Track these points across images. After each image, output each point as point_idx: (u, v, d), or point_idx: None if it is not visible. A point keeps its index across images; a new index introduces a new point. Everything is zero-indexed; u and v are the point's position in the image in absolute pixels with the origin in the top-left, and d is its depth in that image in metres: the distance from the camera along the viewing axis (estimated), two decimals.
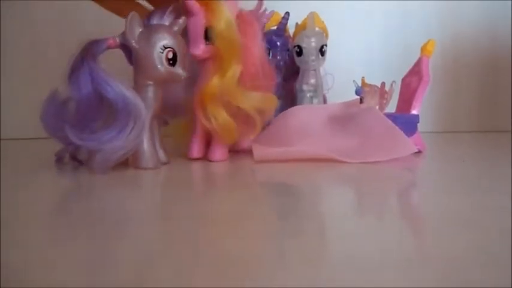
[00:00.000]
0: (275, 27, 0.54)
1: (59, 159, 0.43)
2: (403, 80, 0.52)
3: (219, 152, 0.44)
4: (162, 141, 0.42)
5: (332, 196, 0.33)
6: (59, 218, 0.26)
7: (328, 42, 0.53)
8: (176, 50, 0.39)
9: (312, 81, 0.53)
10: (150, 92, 0.39)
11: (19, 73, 0.69)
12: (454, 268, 0.17)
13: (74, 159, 0.41)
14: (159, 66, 0.38)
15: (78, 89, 0.36)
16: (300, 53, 0.52)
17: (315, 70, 0.53)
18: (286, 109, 0.49)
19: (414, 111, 0.49)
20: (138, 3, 0.45)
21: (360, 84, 0.47)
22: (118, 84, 0.36)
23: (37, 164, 0.44)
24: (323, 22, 0.54)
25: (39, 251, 0.20)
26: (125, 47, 0.39)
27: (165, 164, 0.42)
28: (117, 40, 0.38)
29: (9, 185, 0.35)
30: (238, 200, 0.30)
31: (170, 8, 0.40)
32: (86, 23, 0.65)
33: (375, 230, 0.23)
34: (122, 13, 0.42)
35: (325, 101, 0.56)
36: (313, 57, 0.52)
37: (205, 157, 0.45)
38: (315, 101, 0.53)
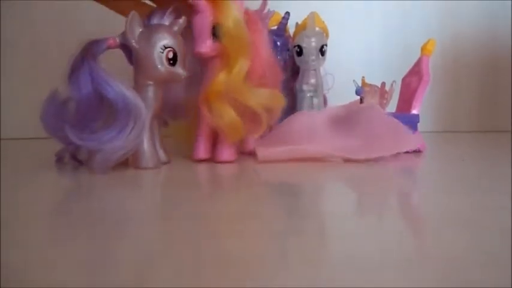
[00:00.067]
0: (275, 27, 0.54)
1: (59, 159, 0.43)
2: (403, 79, 0.53)
3: (226, 152, 0.43)
4: (162, 141, 0.42)
5: (332, 196, 0.33)
6: (59, 218, 0.26)
7: (328, 42, 0.53)
8: (176, 49, 0.39)
9: (312, 81, 0.53)
10: (150, 92, 0.39)
11: (19, 73, 0.69)
12: (454, 268, 0.17)
13: (74, 159, 0.41)
14: (159, 66, 0.38)
15: (78, 89, 0.36)
16: (300, 52, 0.52)
17: (315, 70, 0.53)
18: (287, 109, 0.49)
19: (414, 111, 0.49)
20: (141, 2, 0.45)
21: (360, 84, 0.47)
22: (118, 84, 0.36)
23: (37, 163, 0.44)
24: (323, 22, 0.54)
25: (39, 251, 0.20)
26: (125, 47, 0.39)
27: (165, 163, 0.42)
28: (117, 40, 0.38)
29: (9, 185, 0.35)
30: (238, 200, 0.30)
31: (170, 8, 0.40)
32: (86, 23, 0.65)
33: (375, 230, 0.23)
34: (124, 12, 0.42)
35: (325, 101, 0.56)
36: (313, 57, 0.52)
37: (211, 158, 0.43)
38: (315, 100, 0.53)
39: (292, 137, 0.44)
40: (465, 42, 0.75)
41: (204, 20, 0.40)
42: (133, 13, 0.38)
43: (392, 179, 0.38)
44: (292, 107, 0.52)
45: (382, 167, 0.40)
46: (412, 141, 0.43)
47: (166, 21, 0.40)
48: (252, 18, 0.43)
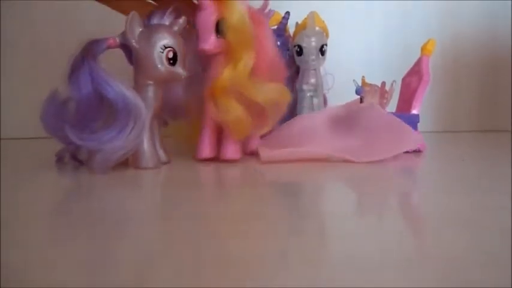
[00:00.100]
0: (275, 27, 0.54)
1: (60, 159, 0.43)
2: (403, 79, 0.52)
3: (231, 150, 0.42)
4: (162, 141, 0.42)
5: (332, 196, 0.33)
6: (59, 218, 0.26)
7: (329, 42, 0.53)
8: (176, 49, 0.39)
9: (312, 80, 0.53)
10: (150, 92, 0.39)
11: (19, 73, 0.69)
12: (454, 268, 0.17)
13: (74, 159, 0.41)
14: (159, 66, 0.38)
15: (78, 89, 0.36)
16: (300, 52, 0.52)
17: (315, 70, 0.53)
18: (287, 108, 0.48)
19: (414, 111, 0.49)
20: (143, 1, 0.45)
21: (360, 84, 0.47)
22: (118, 84, 0.36)
23: (37, 163, 0.44)
24: (323, 22, 0.54)
25: (39, 251, 0.20)
26: (125, 47, 0.39)
27: (165, 163, 0.42)
28: (117, 40, 0.38)
29: (9, 185, 0.35)
30: (238, 200, 0.30)
31: (170, 8, 0.40)
32: (86, 23, 0.65)
33: (375, 230, 0.23)
34: (126, 12, 0.42)
35: (325, 101, 0.56)
36: (313, 57, 0.52)
37: (215, 157, 0.43)
38: (315, 100, 0.53)
39: (292, 140, 0.44)
40: (465, 42, 0.75)
41: (207, 17, 0.40)
42: (133, 13, 0.38)
43: (392, 179, 0.38)
44: (293, 106, 0.52)
45: (382, 167, 0.40)
46: (413, 139, 0.43)
47: (167, 21, 0.40)
48: (256, 14, 0.42)
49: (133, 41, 0.38)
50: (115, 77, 0.36)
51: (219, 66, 0.41)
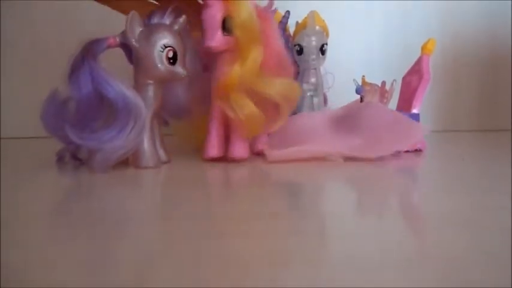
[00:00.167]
0: None
1: (60, 159, 0.43)
2: (404, 78, 0.52)
3: (240, 149, 0.41)
4: (163, 140, 0.42)
5: (332, 196, 0.33)
6: (59, 218, 0.26)
7: (329, 42, 0.53)
8: (176, 49, 0.39)
9: (313, 80, 0.53)
10: (151, 91, 0.39)
11: (19, 73, 0.69)
12: (454, 268, 0.17)
13: (74, 158, 0.41)
14: (159, 65, 0.38)
15: (78, 89, 0.36)
16: (300, 51, 0.52)
17: (315, 69, 0.53)
18: None
19: (414, 110, 0.49)
20: (143, 1, 0.45)
21: (360, 83, 0.47)
22: (118, 84, 0.36)
23: (37, 163, 0.44)
24: (323, 21, 0.54)
25: (39, 251, 0.20)
26: (125, 46, 0.39)
27: (165, 163, 0.42)
28: (118, 39, 0.38)
29: (9, 184, 0.35)
30: (238, 200, 0.30)
31: (170, 8, 0.40)
32: (86, 23, 0.65)
33: (375, 230, 0.23)
34: (126, 11, 0.42)
35: (325, 100, 0.56)
36: (314, 56, 0.52)
37: (222, 157, 0.42)
38: (315, 100, 0.53)
39: (294, 139, 0.44)
40: (465, 42, 0.75)
41: (213, 15, 0.39)
42: (133, 12, 0.38)
43: (393, 179, 0.38)
44: None
45: (382, 167, 0.40)
46: (418, 130, 0.43)
47: (167, 21, 0.40)
48: (262, 11, 0.42)
49: (134, 40, 0.38)
50: (115, 76, 0.37)
51: (225, 64, 0.40)
